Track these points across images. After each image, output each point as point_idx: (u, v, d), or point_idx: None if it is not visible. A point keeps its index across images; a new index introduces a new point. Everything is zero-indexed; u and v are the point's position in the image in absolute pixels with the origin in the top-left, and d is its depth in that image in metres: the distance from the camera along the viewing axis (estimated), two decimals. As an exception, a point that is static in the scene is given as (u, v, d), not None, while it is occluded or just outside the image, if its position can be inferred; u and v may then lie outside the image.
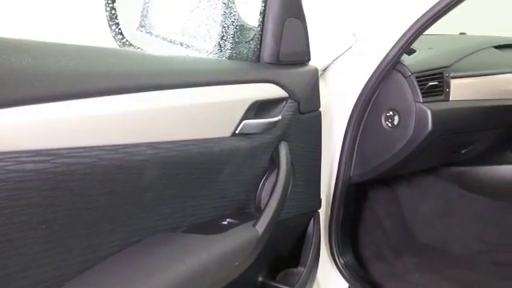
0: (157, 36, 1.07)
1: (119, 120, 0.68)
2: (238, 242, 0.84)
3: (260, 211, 0.93)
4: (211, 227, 0.85)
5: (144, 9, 1.08)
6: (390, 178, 1.87)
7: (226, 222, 0.88)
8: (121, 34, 0.99)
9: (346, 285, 1.41)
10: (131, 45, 1.01)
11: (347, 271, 1.41)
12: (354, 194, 1.42)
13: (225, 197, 0.91)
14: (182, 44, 1.04)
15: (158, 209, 0.78)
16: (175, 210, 0.81)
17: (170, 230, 0.81)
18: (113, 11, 0.96)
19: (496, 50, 1.63)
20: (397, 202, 1.97)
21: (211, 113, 0.83)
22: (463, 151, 1.57)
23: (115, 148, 0.67)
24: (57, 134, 0.60)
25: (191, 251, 0.79)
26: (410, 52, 1.37)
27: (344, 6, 1.32)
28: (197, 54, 1.03)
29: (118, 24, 1.00)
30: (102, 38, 1.02)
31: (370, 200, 1.88)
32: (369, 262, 1.72)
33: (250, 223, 0.88)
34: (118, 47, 1.01)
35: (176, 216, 0.82)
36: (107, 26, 1.00)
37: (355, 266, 1.45)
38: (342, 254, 1.41)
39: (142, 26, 1.07)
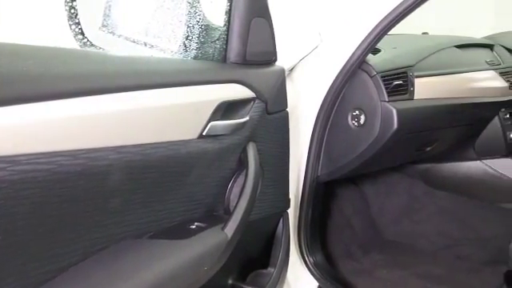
0: (120, 36, 1.04)
1: (80, 124, 0.65)
2: (206, 246, 0.82)
3: (229, 213, 0.92)
4: (179, 232, 0.84)
5: (106, 8, 1.05)
6: (357, 176, 1.89)
7: (194, 226, 0.87)
8: (81, 33, 0.95)
9: (316, 284, 1.41)
10: (92, 45, 0.97)
11: (317, 270, 1.41)
12: (321, 193, 1.43)
13: (193, 200, 0.89)
14: (145, 44, 1.02)
15: (123, 215, 0.76)
16: (142, 216, 0.79)
17: (136, 236, 0.79)
18: (72, 10, 0.92)
19: (457, 49, 1.66)
20: (364, 200, 1.99)
21: (177, 114, 0.81)
22: (427, 149, 1.61)
23: (76, 153, 0.64)
24: (13, 141, 0.57)
25: (158, 257, 0.77)
26: (375, 52, 1.38)
27: (309, 6, 1.32)
28: (161, 55, 1.01)
29: (78, 23, 0.96)
30: (61, 38, 0.99)
31: (337, 198, 1.90)
32: (338, 260, 1.73)
33: (219, 226, 0.87)
34: (79, 47, 0.98)
35: (143, 221, 0.80)
36: (67, 25, 0.96)
37: (324, 264, 1.46)
38: (311, 253, 1.42)
39: (104, 26, 1.04)
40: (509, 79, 1.72)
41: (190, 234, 0.83)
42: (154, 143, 0.76)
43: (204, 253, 0.81)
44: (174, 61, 0.95)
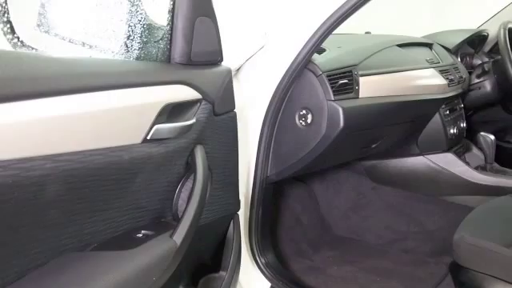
0: (56, 35, 0.98)
1: (10, 131, 0.60)
2: (154, 255, 0.79)
3: (178, 219, 0.89)
4: (125, 241, 0.80)
5: (41, 6, 0.99)
6: (306, 174, 1.91)
7: (141, 235, 0.83)
8: (12, 32, 0.89)
9: (269, 284, 1.41)
10: (25, 45, 0.91)
11: (268, 270, 1.41)
12: (271, 193, 1.43)
13: (139, 207, 0.86)
14: (84, 44, 0.97)
15: (63, 227, 0.71)
16: (83, 227, 0.75)
17: (78, 249, 0.74)
18: (0, 8, 0.86)
19: (399, 48, 1.71)
20: (313, 198, 2.01)
21: (119, 118, 0.77)
22: (373, 146, 1.64)
23: (7, 164, 0.59)
24: None
25: (103, 270, 0.73)
26: (320, 51, 1.39)
27: (255, 6, 1.31)
28: (101, 55, 0.97)
29: (9, 22, 0.90)
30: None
31: (287, 197, 1.91)
32: (289, 259, 1.74)
33: (167, 234, 0.84)
34: (11, 48, 0.92)
35: (85, 233, 0.75)
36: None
37: (276, 264, 1.46)
38: (262, 253, 1.42)
39: (38, 25, 0.98)
40: (448, 77, 1.79)
41: (136, 243, 0.79)
42: (95, 150, 0.72)
43: (152, 262, 0.78)
44: (115, 62, 0.91)
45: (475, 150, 1.96)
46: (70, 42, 0.98)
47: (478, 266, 1.12)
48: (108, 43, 0.95)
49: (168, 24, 0.93)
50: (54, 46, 0.99)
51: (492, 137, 1.77)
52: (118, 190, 0.79)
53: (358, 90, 1.38)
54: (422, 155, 1.81)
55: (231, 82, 1.07)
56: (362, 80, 1.39)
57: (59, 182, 0.67)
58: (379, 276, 1.65)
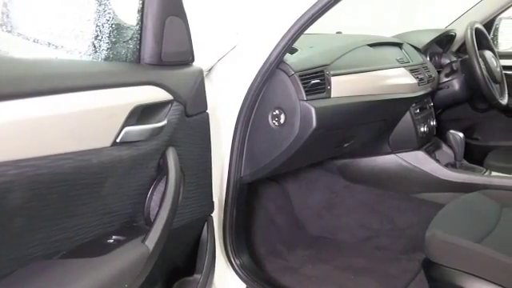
0: (19, 35, 0.95)
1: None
2: (126, 261, 0.77)
3: (150, 224, 0.87)
4: (95, 248, 0.77)
5: (3, 4, 0.96)
6: (279, 174, 1.91)
7: (112, 240, 0.81)
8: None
9: (244, 285, 1.40)
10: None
11: (243, 272, 1.40)
12: (245, 194, 1.42)
13: (109, 212, 0.83)
14: (49, 44, 0.94)
15: (29, 235, 0.68)
16: (51, 234, 0.72)
17: (46, 257, 0.72)
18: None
19: (370, 48, 1.73)
20: (286, 198, 2.02)
21: (87, 121, 0.75)
22: (346, 145, 1.65)
23: None
24: None
25: (72, 278, 0.71)
26: (292, 51, 1.39)
27: (226, 5, 1.30)
28: (68, 56, 0.94)
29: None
30: None
31: (261, 198, 1.90)
32: (264, 259, 1.74)
33: (139, 239, 0.82)
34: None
35: (52, 240, 0.73)
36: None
37: (251, 265, 1.45)
38: (237, 255, 1.41)
39: (0, 25, 0.95)
40: (417, 76, 1.82)
41: (107, 249, 0.77)
42: (62, 154, 0.70)
43: (124, 269, 0.76)
44: (83, 63, 0.89)
45: (445, 148, 2.00)
46: (34, 42, 0.95)
47: (450, 261, 1.14)
48: (75, 43, 0.93)
49: (137, 24, 0.91)
50: (17, 46, 0.96)
51: (461, 134, 1.81)
52: (87, 195, 0.77)
53: (330, 89, 1.38)
54: (394, 153, 1.83)
55: (203, 83, 1.06)
56: (333, 80, 1.40)
57: (24, 189, 0.64)
58: (353, 274, 1.67)
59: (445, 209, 1.35)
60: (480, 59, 1.96)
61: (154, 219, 0.86)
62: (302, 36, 1.26)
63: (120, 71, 0.88)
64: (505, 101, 2.09)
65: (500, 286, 1.06)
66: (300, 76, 1.30)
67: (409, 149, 1.82)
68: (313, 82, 1.33)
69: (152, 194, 0.93)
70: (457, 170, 1.77)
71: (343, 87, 1.44)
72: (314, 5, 1.18)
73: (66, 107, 0.72)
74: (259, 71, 1.24)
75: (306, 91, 1.30)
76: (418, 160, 1.80)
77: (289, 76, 1.29)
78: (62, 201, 0.72)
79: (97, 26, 0.90)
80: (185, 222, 1.05)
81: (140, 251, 0.80)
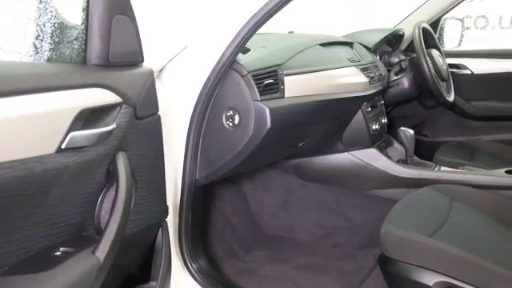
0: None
1: None
2: (74, 274, 0.73)
3: (100, 233, 0.83)
4: (40, 262, 0.73)
5: None
6: (235, 175, 1.89)
7: (59, 253, 0.77)
8: None
9: (201, 289, 1.38)
10: None
11: (200, 275, 1.38)
12: (200, 197, 1.39)
13: (56, 223, 0.79)
14: (-14, 45, 0.88)
15: None
16: None
17: None
18: None
19: (321, 48, 1.74)
20: (242, 198, 2.00)
21: (28, 127, 0.71)
22: (300, 144, 1.66)
23: None
24: None
25: (15, 295, 0.66)
26: (245, 51, 1.38)
27: (176, 4, 1.27)
28: (7, 57, 0.89)
29: None
30: None
31: (216, 199, 1.88)
32: (222, 262, 1.72)
33: (89, 249, 0.78)
34: None
35: None
36: None
37: (208, 268, 1.43)
38: (194, 259, 1.38)
39: None
40: (368, 74, 1.85)
41: (54, 262, 0.73)
42: (1, 163, 0.65)
43: (72, 283, 0.72)
44: (23, 65, 0.84)
45: (396, 145, 2.04)
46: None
47: (405, 256, 1.16)
48: (14, 44, 0.89)
49: (83, 23, 0.87)
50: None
51: (411, 131, 1.86)
52: (30, 205, 0.72)
53: (284, 89, 1.38)
54: (347, 151, 1.85)
55: (153, 84, 1.03)
56: (286, 80, 1.39)
57: None
58: (311, 272, 1.67)
59: (398, 204, 1.37)
60: (427, 58, 2.02)
61: (105, 228, 0.82)
62: (255, 36, 1.25)
63: (64, 73, 0.84)
64: (451, 98, 2.17)
65: (452, 277, 1.09)
66: (253, 76, 1.29)
67: (361, 146, 1.85)
68: (266, 82, 1.32)
69: (102, 201, 0.89)
70: (408, 166, 1.82)
71: (296, 87, 1.44)
72: (266, 4, 1.18)
73: (5, 112, 0.67)
74: (212, 71, 1.23)
75: (259, 91, 1.29)
76: (371, 157, 1.83)
77: (242, 76, 1.28)
78: (3, 213, 0.67)
79: (38, 25, 0.86)
80: (138, 229, 1.02)
81: (90, 263, 0.76)
